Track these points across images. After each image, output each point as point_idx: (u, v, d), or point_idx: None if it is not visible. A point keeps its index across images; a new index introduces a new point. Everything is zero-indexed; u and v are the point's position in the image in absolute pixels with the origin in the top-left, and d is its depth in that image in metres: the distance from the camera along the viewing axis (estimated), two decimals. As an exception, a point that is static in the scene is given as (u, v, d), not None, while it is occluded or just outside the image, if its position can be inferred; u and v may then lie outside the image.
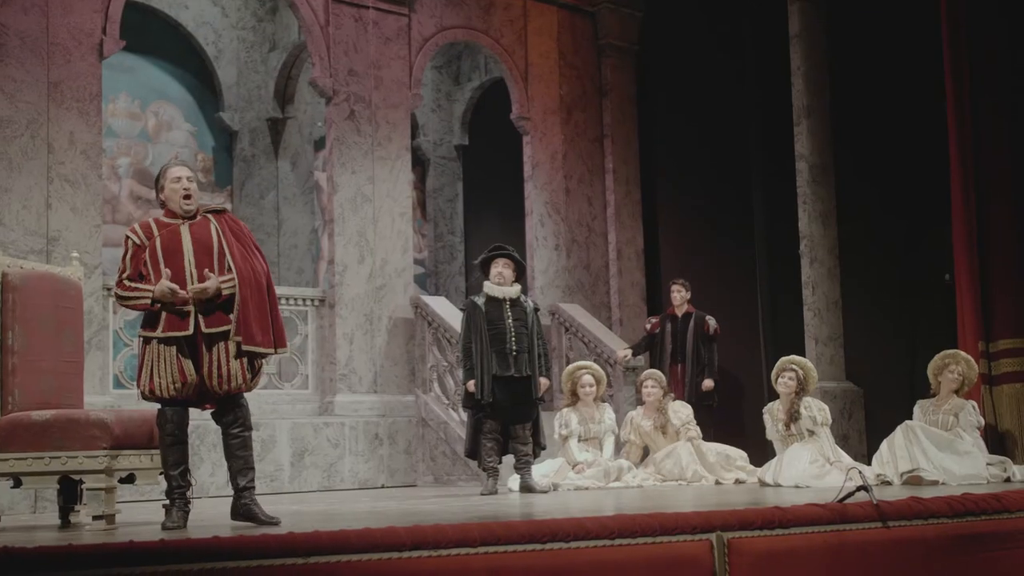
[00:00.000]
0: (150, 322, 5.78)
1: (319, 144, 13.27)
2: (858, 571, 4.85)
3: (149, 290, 5.74)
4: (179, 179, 5.92)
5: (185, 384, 5.73)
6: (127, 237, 5.92)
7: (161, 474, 6.04)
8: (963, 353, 8.86)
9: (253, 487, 5.90)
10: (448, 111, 14.90)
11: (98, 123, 10.01)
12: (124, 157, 12.52)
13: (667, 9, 13.17)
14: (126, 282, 5.82)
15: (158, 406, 5.85)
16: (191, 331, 5.74)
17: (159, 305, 5.73)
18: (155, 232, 5.88)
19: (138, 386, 5.83)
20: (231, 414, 5.90)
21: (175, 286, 5.71)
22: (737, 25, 12.38)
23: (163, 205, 6.00)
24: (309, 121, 13.61)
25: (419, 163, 14.19)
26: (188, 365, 5.74)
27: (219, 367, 5.76)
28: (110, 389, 9.86)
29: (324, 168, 12.53)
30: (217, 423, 5.97)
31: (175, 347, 5.73)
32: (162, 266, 5.77)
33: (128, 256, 5.86)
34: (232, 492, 5.97)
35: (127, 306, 5.89)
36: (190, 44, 13.10)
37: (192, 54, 13.14)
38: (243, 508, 5.86)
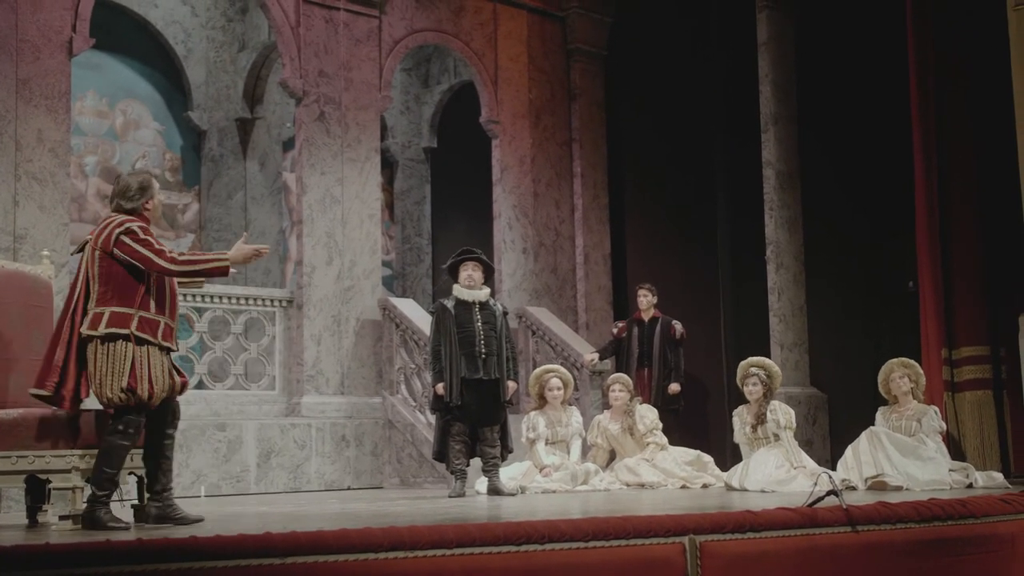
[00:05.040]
0: (147, 327, 5.75)
1: (287, 145, 13.25)
2: (828, 574, 4.91)
3: (222, 255, 5.87)
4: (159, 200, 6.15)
5: (165, 392, 5.84)
6: (143, 227, 5.84)
7: (114, 473, 5.83)
8: (903, 358, 8.81)
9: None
10: (417, 113, 14.90)
11: (66, 121, 9.95)
12: (91, 155, 12.44)
13: (636, 15, 13.24)
14: (177, 255, 5.79)
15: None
16: (176, 348, 5.97)
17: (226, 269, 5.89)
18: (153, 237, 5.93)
19: (130, 387, 5.67)
20: (170, 413, 5.98)
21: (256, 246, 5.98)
22: (706, 32, 12.47)
23: (136, 213, 5.95)
24: (278, 122, 13.59)
25: (387, 165, 14.19)
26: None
27: (179, 374, 5.99)
28: (74, 388, 9.78)
29: (292, 169, 12.51)
30: (153, 427, 5.92)
31: (168, 358, 5.86)
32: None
33: (153, 238, 5.83)
34: (151, 495, 5.92)
35: (200, 272, 5.86)
36: (159, 43, 13.04)
37: (161, 53, 13.08)
38: (169, 510, 5.84)
